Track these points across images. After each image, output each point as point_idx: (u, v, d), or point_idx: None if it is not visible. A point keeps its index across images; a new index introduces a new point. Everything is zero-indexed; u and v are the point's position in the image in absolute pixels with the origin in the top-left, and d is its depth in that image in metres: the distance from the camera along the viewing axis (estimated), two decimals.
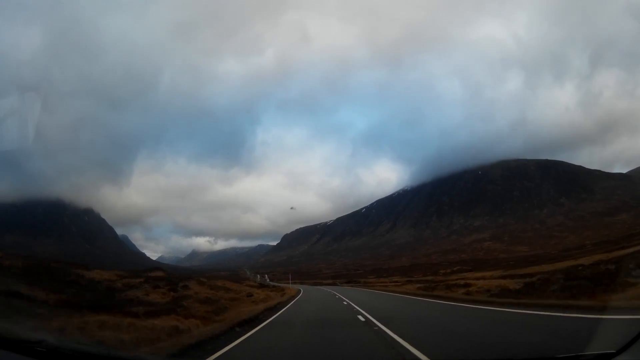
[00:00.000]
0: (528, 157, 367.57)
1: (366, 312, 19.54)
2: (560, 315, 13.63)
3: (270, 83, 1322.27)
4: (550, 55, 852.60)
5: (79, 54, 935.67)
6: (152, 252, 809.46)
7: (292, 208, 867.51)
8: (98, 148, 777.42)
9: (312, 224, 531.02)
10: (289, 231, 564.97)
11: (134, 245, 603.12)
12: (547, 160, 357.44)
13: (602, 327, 7.68)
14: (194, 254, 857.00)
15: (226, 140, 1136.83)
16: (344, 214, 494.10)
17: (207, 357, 9.28)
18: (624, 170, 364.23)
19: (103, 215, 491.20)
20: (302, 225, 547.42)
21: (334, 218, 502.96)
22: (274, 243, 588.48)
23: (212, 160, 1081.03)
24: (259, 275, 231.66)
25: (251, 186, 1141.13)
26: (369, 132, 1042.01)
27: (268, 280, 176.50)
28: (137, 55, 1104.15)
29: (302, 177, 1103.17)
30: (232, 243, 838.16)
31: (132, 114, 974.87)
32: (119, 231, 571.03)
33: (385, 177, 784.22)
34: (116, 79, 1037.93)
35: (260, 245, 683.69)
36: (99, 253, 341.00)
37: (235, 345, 11.03)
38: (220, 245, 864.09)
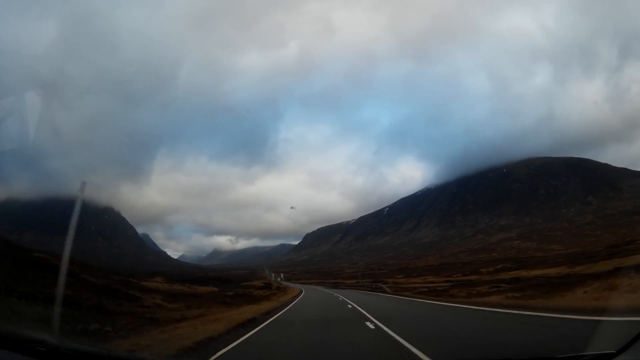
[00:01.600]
0: (553, 155, 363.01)
1: None
2: None
3: (293, 77, 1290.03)
4: (579, 47, 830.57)
5: (94, 48, 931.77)
6: (174, 251, 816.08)
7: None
8: (117, 146, 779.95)
9: (334, 223, 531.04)
10: (310, 230, 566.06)
11: (155, 244, 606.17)
12: (572, 158, 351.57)
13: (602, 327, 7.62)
14: (215, 253, 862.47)
15: (247, 137, 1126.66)
16: (367, 213, 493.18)
17: (209, 358, 9.21)
18: None
19: (123, 214, 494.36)
20: (324, 225, 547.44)
21: (357, 217, 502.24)
22: (296, 242, 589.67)
23: (233, 157, 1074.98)
24: (273, 274, 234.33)
25: (273, 185, 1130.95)
26: (394, 129, 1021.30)
27: (281, 279, 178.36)
28: (154, 49, 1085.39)
29: (325, 175, 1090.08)
30: (254, 242, 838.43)
31: (151, 111, 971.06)
32: (140, 230, 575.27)
33: (410, 175, 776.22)
34: (133, 74, 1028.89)
35: (281, 245, 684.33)
36: (117, 252, 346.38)
37: None
38: (242, 244, 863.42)
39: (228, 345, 11.37)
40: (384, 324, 14.51)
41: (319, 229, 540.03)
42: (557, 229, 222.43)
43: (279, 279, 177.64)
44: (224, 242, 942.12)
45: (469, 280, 49.31)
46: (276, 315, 21.72)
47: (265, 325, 17.12)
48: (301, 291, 61.87)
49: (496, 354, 8.27)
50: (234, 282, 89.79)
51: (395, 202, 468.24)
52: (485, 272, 60.18)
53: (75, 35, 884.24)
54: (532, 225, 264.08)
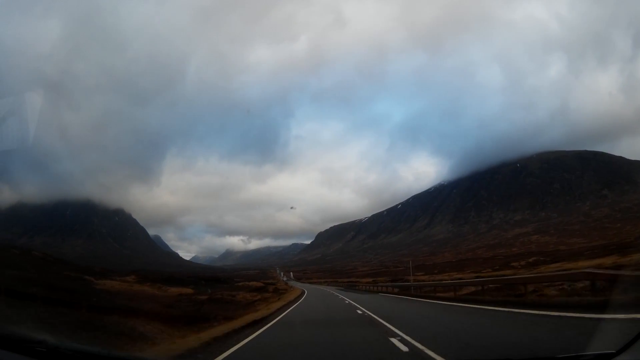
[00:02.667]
0: (566, 149, 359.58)
1: None
2: None
3: (303, 72, 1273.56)
4: (593, 37, 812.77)
5: (100, 46, 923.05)
6: (186, 252, 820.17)
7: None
8: (125, 146, 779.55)
9: (346, 221, 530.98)
10: (323, 229, 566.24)
11: (166, 245, 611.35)
12: (586, 152, 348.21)
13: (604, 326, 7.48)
14: (228, 253, 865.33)
15: (259, 135, 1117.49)
16: (379, 211, 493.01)
17: (211, 359, 9.12)
18: None
19: (134, 216, 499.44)
20: (336, 223, 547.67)
21: (369, 215, 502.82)
22: (308, 242, 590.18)
23: (245, 156, 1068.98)
24: (281, 273, 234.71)
25: (285, 183, 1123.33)
26: (407, 124, 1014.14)
27: (288, 279, 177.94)
28: (161, 45, 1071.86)
29: (338, 173, 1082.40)
30: (266, 242, 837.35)
31: (159, 109, 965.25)
32: (152, 232, 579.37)
33: (423, 171, 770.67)
34: (140, 71, 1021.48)
35: (294, 244, 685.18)
36: (128, 253, 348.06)
37: None
38: (254, 244, 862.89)
39: None
40: None
41: (331, 228, 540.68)
42: (574, 222, 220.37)
43: (284, 278, 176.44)
44: (236, 242, 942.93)
45: (503, 275, 46.46)
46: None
47: None
48: (303, 292, 51.46)
49: None
50: (228, 282, 77.72)
51: (408, 199, 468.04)
52: (519, 266, 59.08)
53: (80, 33, 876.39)
54: (548, 219, 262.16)
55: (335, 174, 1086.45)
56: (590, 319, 11.05)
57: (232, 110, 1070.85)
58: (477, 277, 51.11)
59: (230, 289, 51.22)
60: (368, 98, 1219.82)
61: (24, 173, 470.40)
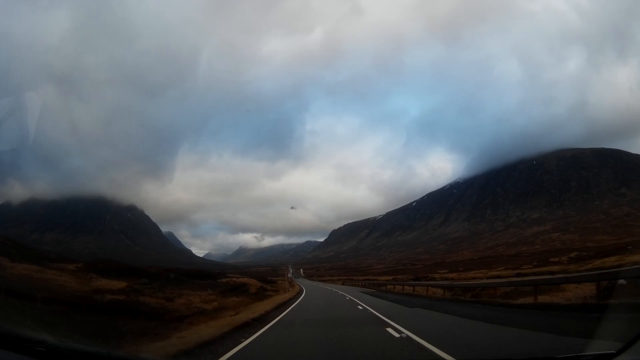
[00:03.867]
0: (584, 146, 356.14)
1: None
2: None
3: (318, 64, 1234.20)
4: (613, 28, 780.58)
5: (109, 38, 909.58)
6: (199, 249, 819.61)
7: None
8: (137, 142, 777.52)
9: (361, 219, 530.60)
10: (337, 227, 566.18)
11: (179, 242, 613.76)
12: (604, 149, 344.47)
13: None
14: (241, 250, 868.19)
15: (272, 130, 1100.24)
16: (394, 208, 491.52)
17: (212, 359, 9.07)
18: None
19: (147, 212, 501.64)
20: (350, 221, 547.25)
21: (384, 212, 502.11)
22: (322, 239, 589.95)
23: (258, 152, 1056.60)
24: (291, 270, 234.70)
25: (299, 180, 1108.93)
26: (423, 119, 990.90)
27: (293, 276, 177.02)
28: (171, 36, 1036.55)
29: (353, 169, 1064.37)
30: (280, 240, 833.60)
31: (170, 103, 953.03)
32: (165, 228, 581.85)
33: (439, 167, 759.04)
34: (150, 64, 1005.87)
35: (308, 242, 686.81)
36: (139, 250, 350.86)
37: None
38: (268, 241, 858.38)
39: None
40: None
41: (345, 225, 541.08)
42: (594, 221, 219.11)
43: (290, 276, 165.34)
44: (249, 239, 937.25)
45: (551, 272, 42.76)
46: None
47: None
48: (297, 298, 35.39)
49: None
50: (211, 278, 61.11)
51: (423, 197, 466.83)
52: (560, 262, 58.74)
53: (89, 25, 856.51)
54: (566, 218, 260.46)
55: (350, 171, 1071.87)
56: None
57: (244, 104, 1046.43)
58: (518, 274, 46.71)
59: (190, 288, 38.34)
60: (384, 92, 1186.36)
61: (35, 169, 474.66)
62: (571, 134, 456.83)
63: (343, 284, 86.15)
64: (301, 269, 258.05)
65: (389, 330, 12.43)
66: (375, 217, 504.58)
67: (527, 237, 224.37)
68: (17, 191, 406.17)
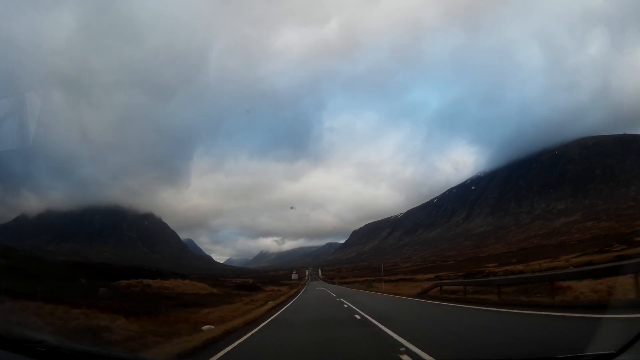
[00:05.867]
0: (606, 133, 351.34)
1: None
2: None
3: (335, 57, 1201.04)
4: (636, 8, 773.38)
5: (115, 37, 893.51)
6: (220, 256, 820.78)
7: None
8: (150, 146, 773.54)
9: (381, 218, 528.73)
10: (357, 227, 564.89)
11: (199, 249, 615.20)
12: (626, 135, 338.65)
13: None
14: (262, 255, 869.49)
15: (290, 128, 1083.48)
16: (415, 206, 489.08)
17: (211, 357, 9.09)
18: None
19: (165, 220, 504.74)
20: (371, 221, 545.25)
21: (405, 211, 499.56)
22: (343, 241, 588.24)
23: (276, 152, 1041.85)
24: (307, 272, 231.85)
25: (319, 180, 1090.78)
26: (444, 112, 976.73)
27: (319, 277, 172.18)
28: (179, 32, 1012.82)
29: (374, 167, 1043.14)
30: (301, 243, 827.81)
31: (182, 104, 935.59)
32: (184, 235, 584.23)
33: (461, 161, 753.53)
34: (160, 62, 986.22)
35: (328, 244, 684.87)
36: (157, 258, 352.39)
37: None
38: (288, 245, 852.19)
39: None
40: None
41: (365, 226, 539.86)
42: (624, 208, 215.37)
43: (295, 277, 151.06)
44: (270, 243, 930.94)
45: None
46: None
47: None
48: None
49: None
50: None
51: (444, 193, 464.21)
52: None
53: (94, 25, 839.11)
54: (594, 207, 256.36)
55: (371, 169, 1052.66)
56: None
57: (260, 102, 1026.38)
58: (618, 257, 37.29)
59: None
60: (403, 84, 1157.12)
61: (50, 180, 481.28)
62: (594, 122, 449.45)
63: (371, 291, 52.28)
64: (319, 270, 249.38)
65: None
66: (396, 216, 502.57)
67: (558, 228, 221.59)
68: (33, 203, 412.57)
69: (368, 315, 17.36)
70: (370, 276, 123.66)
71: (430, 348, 8.37)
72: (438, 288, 32.06)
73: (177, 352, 9.49)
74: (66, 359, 4.03)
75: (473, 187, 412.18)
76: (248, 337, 12.47)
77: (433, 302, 24.50)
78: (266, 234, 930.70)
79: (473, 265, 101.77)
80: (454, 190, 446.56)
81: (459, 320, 14.93)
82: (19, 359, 3.58)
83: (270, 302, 31.72)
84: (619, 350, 4.11)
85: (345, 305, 25.09)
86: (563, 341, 8.76)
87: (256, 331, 14.21)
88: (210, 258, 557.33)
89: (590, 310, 12.38)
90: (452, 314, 17.30)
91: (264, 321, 17.84)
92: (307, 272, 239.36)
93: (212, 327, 14.57)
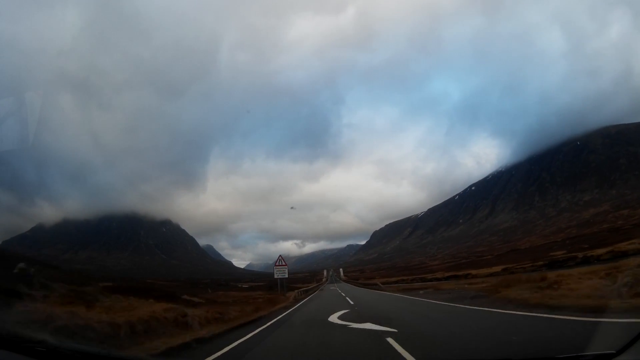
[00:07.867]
0: (628, 121, 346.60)
1: None
2: None
3: (352, 47, 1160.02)
4: None
5: (123, 34, 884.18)
6: (240, 260, 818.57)
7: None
8: (164, 149, 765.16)
9: (402, 218, 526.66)
10: (378, 228, 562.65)
11: (219, 255, 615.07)
12: None
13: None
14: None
15: (307, 125, 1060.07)
16: (436, 204, 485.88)
17: (206, 357, 9.00)
18: None
19: (183, 226, 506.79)
20: (392, 220, 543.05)
21: (425, 209, 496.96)
22: (364, 242, 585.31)
23: (293, 152, 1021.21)
24: (324, 273, 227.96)
25: (339, 180, 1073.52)
26: (465, 103, 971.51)
27: (340, 278, 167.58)
28: (187, 26, 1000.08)
29: (394, 164, 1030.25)
30: (321, 245, 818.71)
31: (195, 102, 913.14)
32: (203, 241, 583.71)
33: (483, 154, 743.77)
34: (169, 59, 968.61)
35: (349, 246, 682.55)
36: (176, 264, 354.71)
37: None
38: (309, 247, 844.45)
39: None
40: None
41: (386, 226, 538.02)
42: None
43: (323, 278, 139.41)
44: (290, 247, 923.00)
45: None
46: None
47: None
48: None
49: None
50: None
51: (465, 189, 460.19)
52: None
53: (100, 22, 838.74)
54: (622, 196, 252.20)
55: (391, 166, 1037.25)
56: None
57: (275, 98, 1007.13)
58: None
59: None
60: (423, 74, 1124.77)
61: (65, 189, 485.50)
62: (617, 108, 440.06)
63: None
64: (340, 270, 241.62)
65: None
66: (417, 215, 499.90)
67: (588, 218, 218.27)
68: (49, 213, 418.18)
69: None
70: (399, 276, 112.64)
71: None
72: None
73: None
74: (66, 359, 4.02)
75: (499, 178, 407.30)
76: None
77: None
78: (286, 237, 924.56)
79: (520, 257, 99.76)
80: (473, 188, 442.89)
81: None
82: (19, 359, 3.58)
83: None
84: (618, 350, 4.07)
85: None
86: None
87: None
88: (229, 263, 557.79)
89: None
90: None
91: None
92: (324, 273, 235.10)
93: None
